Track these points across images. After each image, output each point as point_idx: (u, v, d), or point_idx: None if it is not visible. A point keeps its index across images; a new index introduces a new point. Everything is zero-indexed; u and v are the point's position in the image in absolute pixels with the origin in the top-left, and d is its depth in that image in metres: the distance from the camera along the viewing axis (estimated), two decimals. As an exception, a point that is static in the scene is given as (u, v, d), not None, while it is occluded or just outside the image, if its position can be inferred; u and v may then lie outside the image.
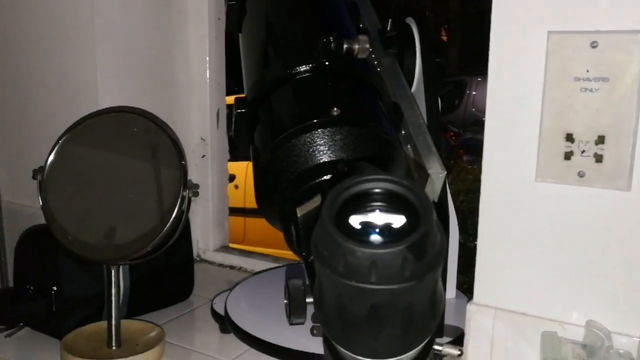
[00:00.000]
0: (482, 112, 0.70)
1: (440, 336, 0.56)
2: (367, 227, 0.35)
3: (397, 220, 0.35)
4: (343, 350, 0.37)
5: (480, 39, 0.69)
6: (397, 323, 0.34)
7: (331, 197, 0.35)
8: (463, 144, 4.94)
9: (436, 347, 0.41)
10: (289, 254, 1.22)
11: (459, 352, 0.41)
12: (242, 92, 0.81)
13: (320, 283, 0.36)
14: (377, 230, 0.35)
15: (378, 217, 0.36)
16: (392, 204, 0.36)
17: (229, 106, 1.21)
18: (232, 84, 1.26)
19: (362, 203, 0.36)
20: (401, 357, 0.36)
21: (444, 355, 0.73)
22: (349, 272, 0.32)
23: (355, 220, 0.35)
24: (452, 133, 5.13)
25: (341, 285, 0.33)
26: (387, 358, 0.36)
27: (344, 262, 0.33)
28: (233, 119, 0.66)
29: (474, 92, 5.86)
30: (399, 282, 0.32)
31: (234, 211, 1.31)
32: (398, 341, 0.35)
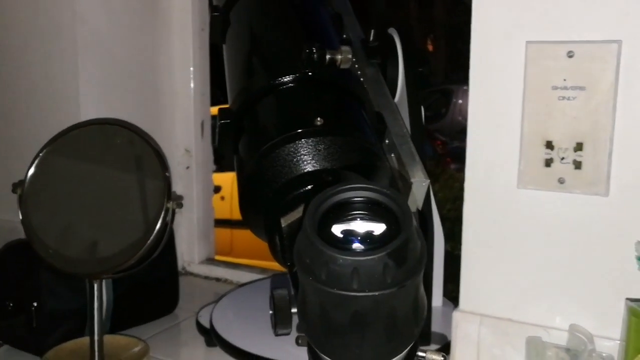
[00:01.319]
0: (468, 121, 0.71)
1: (428, 343, 0.57)
2: (349, 235, 0.35)
3: (378, 228, 0.36)
4: (327, 358, 0.38)
5: (465, 48, 0.70)
6: (380, 329, 0.34)
7: (313, 206, 0.35)
8: (450, 153, 4.98)
9: (419, 354, 0.41)
10: (276, 265, 1.21)
11: (442, 359, 0.41)
12: (223, 102, 0.81)
13: (303, 291, 0.36)
14: (359, 238, 0.35)
15: (359, 226, 0.36)
16: (373, 212, 0.36)
17: (213, 117, 1.22)
18: (219, 94, 1.26)
19: (343, 212, 0.36)
20: (384, 364, 0.37)
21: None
22: (331, 279, 0.33)
23: (337, 229, 0.36)
24: (439, 142, 5.17)
25: (324, 293, 0.33)
26: (371, 365, 0.37)
27: (326, 269, 0.33)
28: (217, 130, 0.66)
29: (460, 101, 5.91)
30: (381, 288, 0.32)
31: (221, 223, 1.31)
32: (381, 348, 0.35)
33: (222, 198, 3.20)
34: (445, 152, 5.13)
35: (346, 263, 0.32)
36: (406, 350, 0.37)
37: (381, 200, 0.35)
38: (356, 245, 0.34)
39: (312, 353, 0.41)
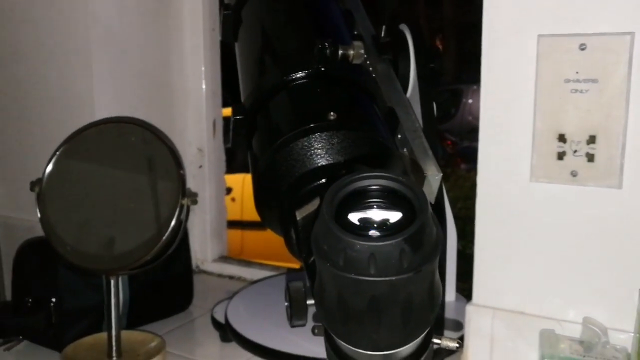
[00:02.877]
0: (479, 120, 0.71)
1: (441, 332, 0.57)
2: (366, 223, 0.36)
3: (394, 217, 0.36)
4: (344, 344, 0.38)
5: (475, 47, 0.70)
6: (396, 314, 0.35)
7: (330, 195, 0.36)
8: (460, 153, 4.96)
9: (435, 340, 0.41)
10: (287, 264, 1.22)
11: (457, 345, 0.42)
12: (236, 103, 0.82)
13: (321, 279, 0.37)
14: (375, 225, 0.36)
15: (376, 214, 0.37)
16: (389, 200, 0.36)
17: (226, 118, 1.23)
18: (226, 96, 1.27)
19: (360, 200, 0.37)
20: (401, 349, 0.37)
21: (445, 356, 0.73)
22: (348, 265, 0.33)
23: (353, 217, 0.36)
24: (449, 142, 5.16)
25: (341, 278, 0.34)
26: (388, 350, 0.37)
27: (343, 256, 0.33)
28: (231, 126, 0.67)
29: (470, 101, 5.90)
30: (398, 273, 0.33)
31: (232, 224, 1.31)
32: (398, 333, 0.36)
33: (233, 199, 3.21)
34: (455, 152, 5.11)
35: (363, 249, 0.33)
36: (422, 335, 0.38)
37: (397, 188, 0.36)
38: (373, 232, 0.35)
39: (329, 340, 0.42)
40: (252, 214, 3.08)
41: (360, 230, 0.35)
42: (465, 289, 0.89)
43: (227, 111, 1.24)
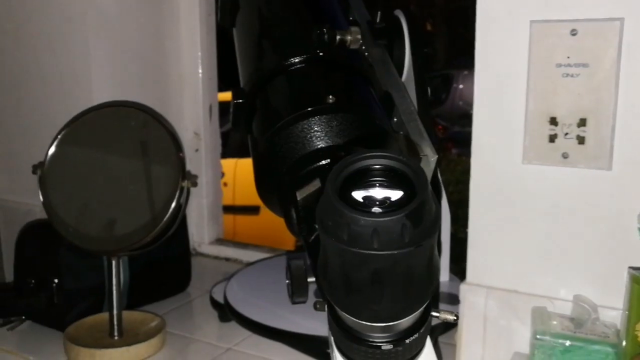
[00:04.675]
0: (469, 105, 0.73)
1: (437, 307, 0.59)
2: (369, 200, 0.38)
3: (396, 195, 0.38)
4: (347, 316, 0.40)
5: (465, 32, 0.72)
6: (397, 287, 0.37)
7: (334, 173, 0.38)
8: (451, 137, 4.99)
9: (434, 313, 0.43)
10: (281, 247, 1.24)
11: (454, 318, 0.44)
12: (228, 90, 0.83)
13: (325, 253, 0.38)
14: (378, 202, 0.37)
15: (378, 192, 0.38)
16: (391, 179, 0.38)
17: (221, 102, 1.24)
18: (219, 81, 1.28)
19: (362, 179, 0.38)
20: (402, 320, 0.39)
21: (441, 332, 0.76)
22: (352, 240, 0.35)
23: (357, 195, 0.38)
24: (440, 127, 5.18)
25: (345, 252, 0.36)
26: (389, 322, 0.39)
27: (347, 230, 0.35)
28: (231, 110, 0.68)
29: (460, 86, 5.91)
30: (399, 247, 0.35)
31: (224, 209, 1.33)
32: (399, 305, 0.38)
33: (225, 184, 3.22)
34: (446, 136, 5.13)
35: (367, 224, 0.35)
36: (421, 308, 0.40)
37: (398, 167, 0.38)
38: (375, 209, 0.37)
39: (332, 314, 0.43)
40: (244, 199, 3.10)
41: (364, 207, 0.37)
42: (458, 272, 0.91)
43: (223, 96, 1.25)
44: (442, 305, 0.80)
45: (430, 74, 0.84)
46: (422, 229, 0.35)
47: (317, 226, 0.37)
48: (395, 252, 0.35)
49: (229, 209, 3.12)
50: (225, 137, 1.36)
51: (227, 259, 1.23)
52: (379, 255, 0.35)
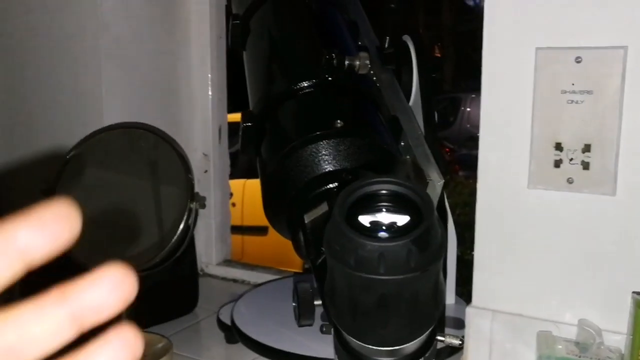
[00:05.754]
0: (477, 128, 0.74)
1: (442, 331, 0.60)
2: (375, 225, 0.38)
3: (402, 220, 0.39)
4: (353, 340, 0.41)
5: (474, 56, 0.73)
6: (403, 311, 0.37)
7: (342, 198, 0.39)
8: (458, 160, 5.00)
9: (439, 337, 0.44)
10: (289, 268, 1.24)
11: (459, 342, 0.44)
12: (237, 111, 0.84)
13: (332, 277, 0.39)
14: (384, 227, 0.38)
15: (384, 217, 0.39)
16: (397, 204, 0.39)
17: (230, 123, 1.25)
18: (229, 103, 1.30)
19: (369, 204, 0.39)
20: (408, 344, 0.40)
21: (447, 356, 0.76)
22: (359, 264, 0.36)
23: (364, 220, 0.39)
24: (447, 149, 5.19)
25: (352, 277, 0.36)
26: (395, 345, 0.40)
27: (354, 255, 0.36)
28: (240, 133, 0.69)
29: (468, 109, 5.94)
30: (405, 272, 0.35)
31: (232, 229, 1.34)
32: (404, 329, 0.38)
33: (233, 204, 3.22)
34: (454, 159, 5.14)
35: (373, 249, 0.36)
36: (427, 332, 0.40)
37: (405, 193, 0.38)
38: (382, 234, 0.38)
39: (338, 337, 0.44)
40: (252, 219, 3.11)
41: (370, 231, 0.38)
42: (464, 294, 0.91)
43: (232, 117, 1.26)
44: (447, 329, 0.80)
45: (438, 97, 0.86)
46: (428, 254, 0.36)
47: (324, 250, 0.38)
48: (401, 277, 0.35)
49: (237, 230, 3.13)
50: (233, 157, 1.38)
51: (234, 280, 1.24)
52: (385, 280, 0.35)
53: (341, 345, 0.44)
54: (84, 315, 0.21)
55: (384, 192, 0.39)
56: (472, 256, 0.75)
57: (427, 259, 0.36)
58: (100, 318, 0.21)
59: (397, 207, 0.39)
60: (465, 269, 0.84)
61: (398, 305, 0.37)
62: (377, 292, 0.36)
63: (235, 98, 1.26)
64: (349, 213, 0.38)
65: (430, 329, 0.40)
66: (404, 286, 0.36)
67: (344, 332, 0.41)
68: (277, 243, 0.69)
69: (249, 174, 3.15)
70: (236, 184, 3.05)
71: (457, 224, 0.92)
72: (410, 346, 0.41)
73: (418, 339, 0.40)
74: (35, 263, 0.21)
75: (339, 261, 0.37)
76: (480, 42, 0.72)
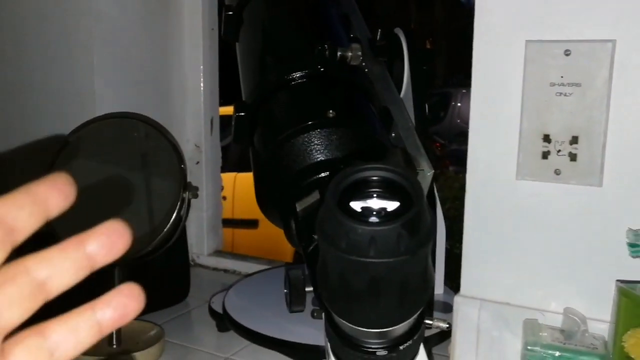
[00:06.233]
0: (467, 123, 0.75)
1: (430, 314, 0.61)
2: (366, 210, 0.39)
3: (392, 205, 0.40)
4: (344, 322, 0.42)
5: (465, 51, 0.74)
6: (393, 294, 0.38)
7: (334, 184, 0.39)
8: (449, 155, 5.02)
9: (427, 320, 0.45)
10: (279, 259, 1.24)
11: (447, 325, 0.45)
12: (229, 104, 0.85)
13: (324, 261, 0.40)
14: (375, 212, 0.39)
15: (375, 202, 0.40)
16: (388, 190, 0.40)
17: (223, 116, 1.26)
18: (220, 95, 1.30)
19: (361, 190, 0.40)
20: (397, 326, 0.41)
21: (435, 342, 0.77)
22: (350, 248, 0.37)
23: (355, 205, 0.40)
24: (438, 144, 5.21)
25: (344, 260, 0.37)
26: (385, 327, 0.41)
27: (346, 239, 0.37)
28: (233, 123, 0.70)
29: (459, 104, 5.96)
30: (395, 255, 0.36)
31: (223, 222, 1.35)
32: (395, 311, 0.39)
33: (224, 198, 3.23)
34: (444, 154, 5.17)
35: (364, 232, 0.36)
36: (416, 315, 0.41)
37: (395, 179, 0.39)
38: (373, 218, 0.38)
39: (329, 320, 0.45)
40: (243, 213, 3.11)
41: (362, 216, 0.38)
42: (452, 287, 0.92)
43: (224, 110, 1.27)
44: (436, 314, 0.81)
45: (429, 92, 0.87)
46: (417, 238, 0.37)
47: (316, 235, 0.39)
48: (392, 260, 0.36)
49: (228, 223, 3.13)
50: (224, 151, 1.38)
51: (225, 271, 1.25)
52: (375, 263, 0.36)
53: (332, 328, 0.45)
54: (97, 254, 0.26)
55: (374, 178, 0.40)
56: (461, 250, 0.76)
57: (417, 243, 0.37)
58: (108, 258, 0.27)
59: (387, 193, 0.40)
60: (455, 262, 0.85)
61: (388, 288, 0.38)
62: (368, 274, 0.37)
63: (227, 91, 1.27)
64: (341, 199, 0.39)
65: (419, 312, 0.41)
66: (394, 269, 0.37)
67: (334, 315, 0.42)
68: (267, 236, 0.70)
69: (239, 167, 3.15)
70: (227, 177, 3.05)
71: (446, 218, 0.93)
72: (400, 328, 0.42)
73: (407, 321, 0.41)
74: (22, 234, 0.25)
75: (331, 245, 0.38)
76: (471, 39, 0.73)
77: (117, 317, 0.27)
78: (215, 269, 1.26)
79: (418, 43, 0.82)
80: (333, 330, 0.45)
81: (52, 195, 0.26)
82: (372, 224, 0.37)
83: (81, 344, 0.26)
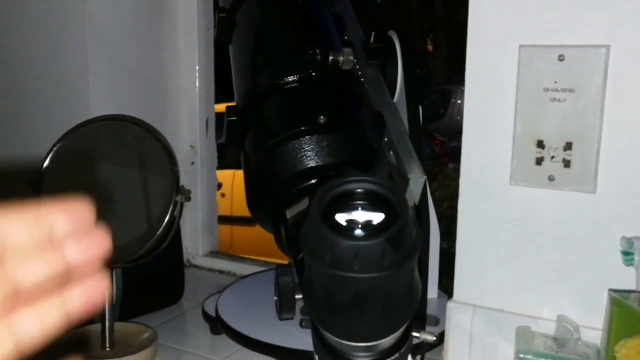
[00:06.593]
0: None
1: (423, 327, 0.60)
2: (351, 223, 0.39)
3: (377, 217, 0.39)
4: (330, 336, 0.41)
5: (465, 48, 0.73)
6: (378, 308, 0.38)
7: (319, 196, 0.39)
8: (448, 152, 5.01)
9: (414, 333, 0.44)
10: (276, 261, 1.24)
11: (434, 338, 0.45)
12: (227, 100, 0.84)
13: (309, 274, 0.40)
14: (360, 226, 0.39)
15: (360, 215, 0.40)
16: (373, 202, 0.39)
17: (218, 114, 1.25)
18: (218, 92, 1.30)
19: (346, 201, 0.40)
20: (382, 340, 0.40)
21: (426, 350, 0.77)
22: (334, 262, 0.36)
23: (340, 218, 0.39)
24: (437, 141, 5.20)
25: (328, 274, 0.37)
26: (371, 341, 0.40)
27: (330, 253, 0.36)
28: (224, 127, 0.70)
29: (459, 101, 5.95)
30: (379, 270, 0.36)
31: (221, 219, 1.34)
32: (379, 325, 0.39)
33: (223, 195, 3.23)
34: (444, 151, 5.16)
35: (348, 247, 0.36)
36: (402, 328, 0.41)
37: (380, 192, 0.39)
38: (357, 232, 0.38)
39: (315, 332, 0.45)
40: (241, 210, 3.11)
41: (346, 230, 0.38)
42: (449, 287, 0.92)
43: (221, 107, 1.26)
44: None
45: (429, 89, 0.86)
46: (401, 253, 0.37)
47: (302, 247, 0.39)
48: (375, 275, 0.36)
49: (226, 220, 3.13)
50: (223, 148, 1.38)
51: (221, 272, 1.24)
52: (359, 277, 0.36)
53: (318, 340, 0.44)
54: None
55: (359, 190, 0.39)
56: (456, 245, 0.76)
57: (401, 258, 0.36)
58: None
59: (372, 205, 0.39)
60: (451, 262, 0.84)
61: (373, 302, 0.37)
62: (352, 289, 0.37)
63: (223, 89, 1.26)
64: (326, 211, 0.39)
65: (405, 325, 0.41)
66: (378, 284, 0.36)
67: (320, 328, 0.42)
68: (266, 233, 0.69)
69: (238, 165, 3.15)
70: (226, 175, 3.04)
71: (444, 217, 0.93)
72: (386, 342, 0.41)
73: (393, 334, 0.40)
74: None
75: (315, 258, 0.37)
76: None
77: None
78: (210, 269, 1.25)
79: (418, 40, 0.82)
80: (320, 343, 0.44)
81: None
82: (356, 238, 0.37)
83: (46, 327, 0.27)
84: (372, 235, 0.36)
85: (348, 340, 0.41)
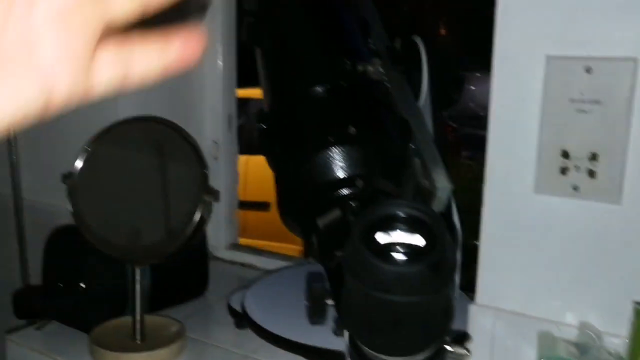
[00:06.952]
0: (481, 107, 0.75)
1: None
2: (392, 246, 0.41)
3: (416, 240, 0.41)
4: (368, 350, 0.43)
5: (480, 34, 0.74)
6: (416, 328, 0.40)
7: (361, 219, 0.41)
8: (461, 139, 4.98)
9: (447, 347, 0.46)
10: (290, 249, 1.25)
11: (467, 352, 0.47)
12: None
13: (349, 293, 0.42)
14: (399, 247, 0.41)
15: (399, 236, 0.42)
16: (412, 225, 0.41)
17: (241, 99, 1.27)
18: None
19: (386, 223, 0.42)
20: (418, 355, 0.42)
21: None
22: (376, 285, 0.38)
23: (380, 238, 0.41)
24: (450, 128, 5.17)
25: (368, 296, 0.39)
26: (406, 356, 0.42)
27: (371, 277, 0.38)
28: (256, 134, 0.71)
29: (472, 88, 5.90)
30: (420, 294, 0.38)
31: (234, 205, 1.37)
32: (417, 343, 0.41)
33: (236, 180, 3.24)
34: (456, 138, 5.12)
35: (389, 272, 0.38)
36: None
37: (419, 216, 0.41)
38: (398, 257, 0.40)
39: (351, 343, 0.47)
40: (255, 195, 3.13)
41: (387, 253, 0.40)
42: (464, 280, 0.93)
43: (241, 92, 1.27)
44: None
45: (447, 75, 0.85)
46: (440, 277, 0.38)
47: (345, 270, 0.40)
48: (415, 299, 0.38)
49: (239, 205, 3.14)
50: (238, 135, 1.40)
51: (242, 264, 1.27)
52: (400, 302, 0.38)
53: (354, 350, 0.47)
54: None
55: (400, 214, 0.41)
56: (472, 243, 0.77)
57: (440, 282, 0.38)
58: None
59: (411, 227, 0.41)
60: (466, 254, 0.86)
61: (411, 323, 0.39)
62: (392, 311, 0.39)
63: (243, 74, 1.27)
64: (368, 230, 0.41)
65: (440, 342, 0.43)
66: (418, 307, 0.38)
67: (358, 342, 0.44)
68: (279, 219, 0.71)
69: (251, 151, 3.16)
70: (240, 160, 3.06)
71: (458, 211, 0.94)
72: (422, 355, 0.43)
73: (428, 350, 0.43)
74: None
75: (357, 279, 0.39)
76: (487, 21, 0.72)
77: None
78: (232, 262, 1.28)
79: (431, 24, 0.82)
80: (356, 353, 0.46)
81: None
82: (398, 264, 0.39)
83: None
84: (414, 261, 0.38)
85: (385, 355, 0.43)
